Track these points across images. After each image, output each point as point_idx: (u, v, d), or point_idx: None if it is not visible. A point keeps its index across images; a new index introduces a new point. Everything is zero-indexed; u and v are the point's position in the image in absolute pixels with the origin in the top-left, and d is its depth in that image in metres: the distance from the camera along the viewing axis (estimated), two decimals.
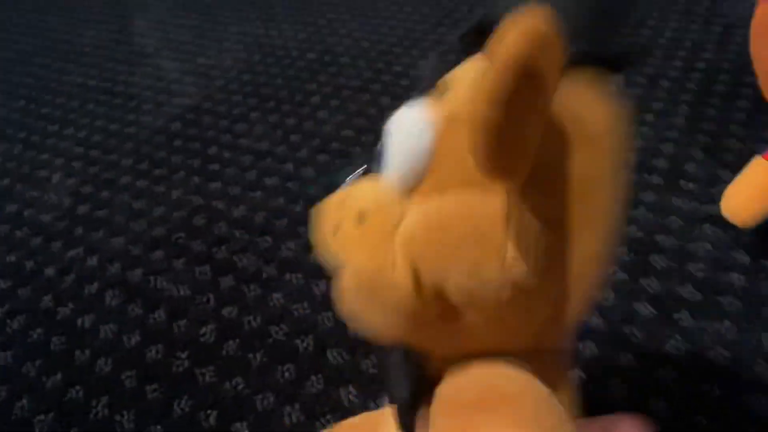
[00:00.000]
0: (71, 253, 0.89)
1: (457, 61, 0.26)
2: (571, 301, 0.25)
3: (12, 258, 0.90)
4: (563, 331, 0.27)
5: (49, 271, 0.87)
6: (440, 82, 0.25)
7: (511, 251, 0.23)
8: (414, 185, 0.23)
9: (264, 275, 0.81)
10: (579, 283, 0.25)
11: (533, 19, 0.19)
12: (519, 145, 0.21)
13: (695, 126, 1.03)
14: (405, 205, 0.23)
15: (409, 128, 0.23)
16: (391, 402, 0.29)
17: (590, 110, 0.25)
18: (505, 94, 0.19)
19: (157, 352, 0.72)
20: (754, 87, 0.75)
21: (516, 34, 0.19)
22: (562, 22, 0.20)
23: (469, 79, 0.23)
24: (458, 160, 0.22)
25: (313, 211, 0.27)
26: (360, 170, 0.26)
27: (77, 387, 0.69)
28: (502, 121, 0.19)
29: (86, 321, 0.78)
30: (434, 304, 0.23)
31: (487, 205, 0.22)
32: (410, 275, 0.22)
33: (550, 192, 0.23)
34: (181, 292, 0.80)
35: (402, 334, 0.25)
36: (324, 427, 0.58)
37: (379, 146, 0.24)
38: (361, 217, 0.23)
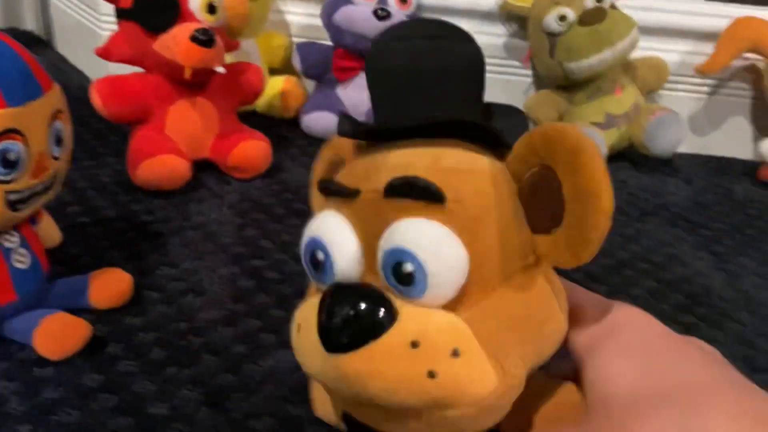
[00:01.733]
0: None
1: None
2: None
3: None
4: None
5: None
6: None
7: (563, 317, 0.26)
8: (453, 298, 0.24)
9: None
10: None
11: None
12: None
13: None
14: (465, 320, 0.24)
15: (446, 248, 0.23)
16: None
17: None
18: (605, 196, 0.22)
19: None
20: None
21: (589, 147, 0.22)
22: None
23: (466, 181, 0.25)
24: (488, 262, 0.24)
25: (342, 369, 0.24)
26: None
27: None
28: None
29: None
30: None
31: (543, 287, 0.25)
32: (525, 369, 0.24)
33: None
34: None
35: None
36: None
37: (394, 268, 0.24)
38: (457, 353, 0.23)
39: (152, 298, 0.54)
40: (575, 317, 0.26)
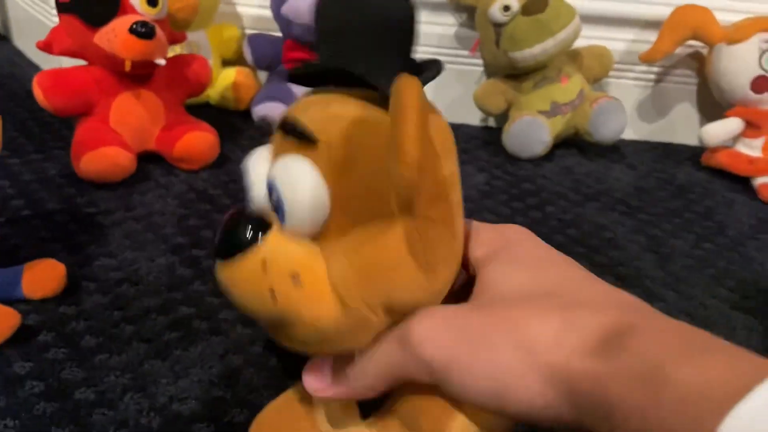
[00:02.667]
0: None
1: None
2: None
3: None
4: None
5: None
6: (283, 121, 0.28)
7: (419, 273, 0.26)
8: (320, 231, 0.26)
9: None
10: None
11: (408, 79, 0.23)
12: (432, 174, 0.26)
13: None
14: (323, 253, 0.26)
15: (303, 182, 0.25)
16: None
17: (434, 119, 0.28)
18: (420, 135, 0.22)
19: None
20: None
21: (410, 90, 0.23)
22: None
23: (340, 126, 0.26)
24: (355, 202, 0.25)
25: (219, 276, 0.28)
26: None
27: None
28: (423, 160, 0.23)
29: None
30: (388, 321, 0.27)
31: (396, 234, 0.26)
32: (371, 308, 0.26)
33: (444, 199, 0.27)
34: None
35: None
36: None
37: (270, 197, 0.27)
38: (296, 279, 0.25)
39: (88, 288, 0.55)
40: (474, 238, 0.29)
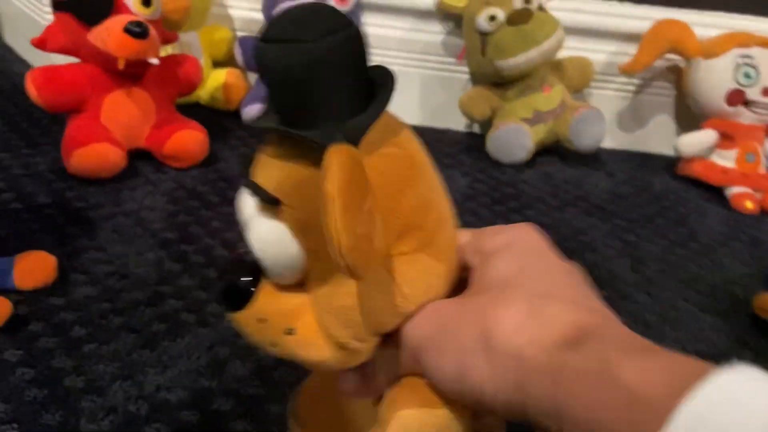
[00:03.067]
0: None
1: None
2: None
3: None
4: None
5: None
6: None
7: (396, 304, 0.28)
8: (303, 277, 0.28)
9: None
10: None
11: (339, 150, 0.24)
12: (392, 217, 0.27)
13: None
14: (310, 298, 0.28)
15: (273, 242, 0.27)
16: None
17: (403, 142, 0.29)
18: (348, 219, 0.23)
19: None
20: None
21: (331, 174, 0.23)
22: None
23: (298, 187, 0.27)
24: (325, 251, 0.25)
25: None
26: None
27: None
28: (354, 225, 0.24)
29: None
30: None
31: (377, 274, 0.28)
32: (363, 340, 0.28)
33: (415, 227, 0.28)
34: None
35: None
36: None
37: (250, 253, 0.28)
38: (290, 332, 0.28)
39: (78, 280, 0.56)
40: (481, 240, 0.30)
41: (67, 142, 0.71)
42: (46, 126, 0.87)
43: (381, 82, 0.27)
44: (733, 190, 0.90)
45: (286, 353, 0.29)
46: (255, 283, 0.28)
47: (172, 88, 0.80)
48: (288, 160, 0.28)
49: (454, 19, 0.99)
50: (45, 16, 0.99)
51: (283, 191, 0.27)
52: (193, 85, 0.81)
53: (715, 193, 0.92)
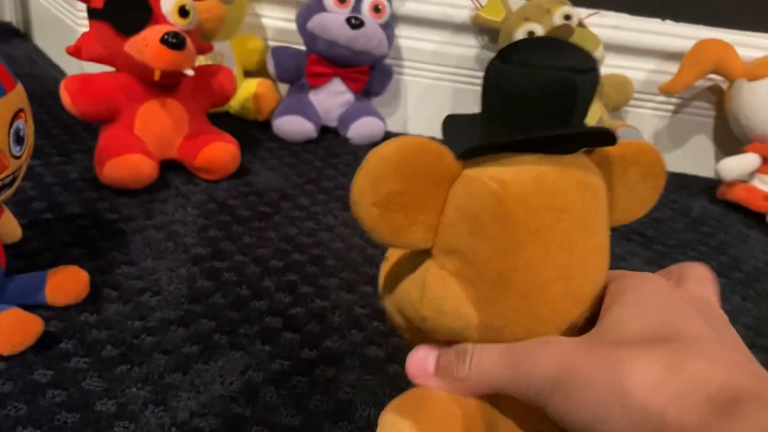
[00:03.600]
0: None
1: None
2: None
3: None
4: None
5: None
6: None
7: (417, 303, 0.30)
8: None
9: None
10: None
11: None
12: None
13: None
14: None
15: None
16: None
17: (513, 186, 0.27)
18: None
19: None
20: None
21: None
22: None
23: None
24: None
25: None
26: None
27: None
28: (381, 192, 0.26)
29: None
30: None
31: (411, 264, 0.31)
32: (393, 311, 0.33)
33: (458, 256, 0.29)
34: None
35: None
36: None
37: None
38: (385, 258, 0.35)
39: (109, 296, 0.55)
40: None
41: (100, 151, 0.71)
42: (78, 133, 0.86)
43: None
44: None
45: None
46: None
47: (205, 99, 0.79)
48: None
49: (489, 33, 0.98)
50: (77, 20, 0.98)
51: None
52: (226, 97, 0.80)
53: (756, 219, 0.89)
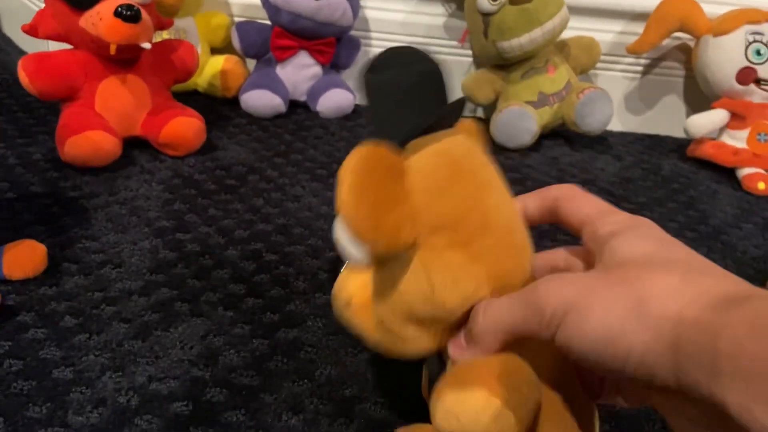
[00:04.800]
0: None
1: None
2: None
3: None
4: None
5: None
6: None
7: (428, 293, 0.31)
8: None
9: None
10: None
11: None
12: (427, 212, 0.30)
13: None
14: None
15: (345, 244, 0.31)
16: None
17: (453, 151, 0.32)
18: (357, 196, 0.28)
19: None
20: None
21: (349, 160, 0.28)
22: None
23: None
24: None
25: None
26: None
27: None
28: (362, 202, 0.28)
29: None
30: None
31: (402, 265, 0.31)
32: (397, 325, 0.33)
33: (449, 227, 0.31)
34: None
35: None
36: None
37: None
38: (348, 303, 0.36)
39: (69, 269, 0.55)
40: (602, 219, 0.31)
41: (60, 130, 0.70)
42: (43, 116, 0.85)
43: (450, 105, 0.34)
44: (745, 171, 0.88)
45: (348, 321, 0.36)
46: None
47: (167, 74, 0.78)
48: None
49: (455, 1, 0.97)
50: (41, 5, 0.97)
51: None
52: (189, 71, 0.80)
53: (726, 174, 0.90)
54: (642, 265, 0.27)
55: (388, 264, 0.32)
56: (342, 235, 0.29)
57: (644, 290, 0.26)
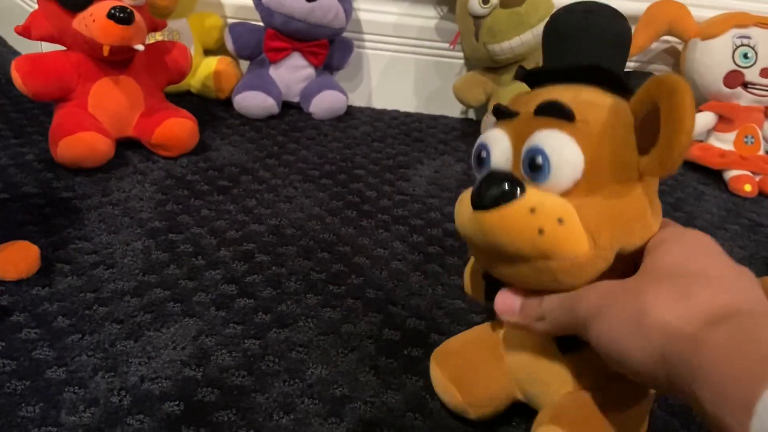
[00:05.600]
0: None
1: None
2: None
3: None
4: None
5: None
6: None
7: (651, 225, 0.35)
8: (567, 190, 0.33)
9: None
10: None
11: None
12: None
13: None
14: (574, 204, 0.33)
15: (568, 149, 0.33)
16: None
17: None
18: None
19: None
20: None
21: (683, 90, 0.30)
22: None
23: (592, 109, 0.34)
24: (599, 169, 0.33)
25: (480, 222, 0.34)
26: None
27: None
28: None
29: None
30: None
31: (639, 196, 0.34)
32: (612, 249, 0.33)
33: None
34: None
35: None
36: None
37: (525, 163, 0.34)
38: (561, 221, 0.32)
39: (62, 270, 0.55)
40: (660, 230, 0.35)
41: (54, 131, 0.70)
42: (36, 117, 0.86)
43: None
44: (732, 173, 0.89)
45: (548, 243, 0.32)
46: (520, 185, 0.33)
47: (160, 75, 0.78)
48: (581, 92, 0.34)
49: (447, 3, 0.98)
50: (34, 5, 0.97)
51: (580, 111, 0.33)
52: (182, 73, 0.80)
53: (713, 176, 0.91)
54: (656, 277, 0.30)
55: (613, 192, 0.33)
56: (563, 154, 0.32)
57: (646, 301, 0.29)
